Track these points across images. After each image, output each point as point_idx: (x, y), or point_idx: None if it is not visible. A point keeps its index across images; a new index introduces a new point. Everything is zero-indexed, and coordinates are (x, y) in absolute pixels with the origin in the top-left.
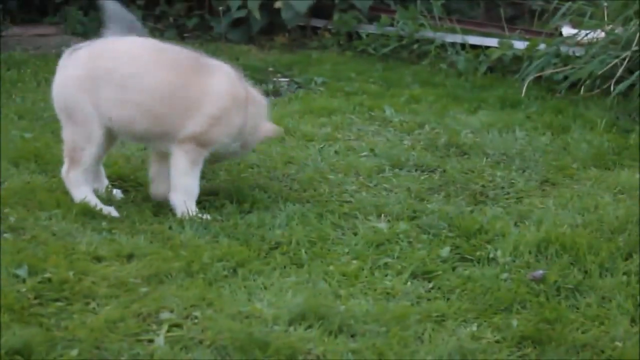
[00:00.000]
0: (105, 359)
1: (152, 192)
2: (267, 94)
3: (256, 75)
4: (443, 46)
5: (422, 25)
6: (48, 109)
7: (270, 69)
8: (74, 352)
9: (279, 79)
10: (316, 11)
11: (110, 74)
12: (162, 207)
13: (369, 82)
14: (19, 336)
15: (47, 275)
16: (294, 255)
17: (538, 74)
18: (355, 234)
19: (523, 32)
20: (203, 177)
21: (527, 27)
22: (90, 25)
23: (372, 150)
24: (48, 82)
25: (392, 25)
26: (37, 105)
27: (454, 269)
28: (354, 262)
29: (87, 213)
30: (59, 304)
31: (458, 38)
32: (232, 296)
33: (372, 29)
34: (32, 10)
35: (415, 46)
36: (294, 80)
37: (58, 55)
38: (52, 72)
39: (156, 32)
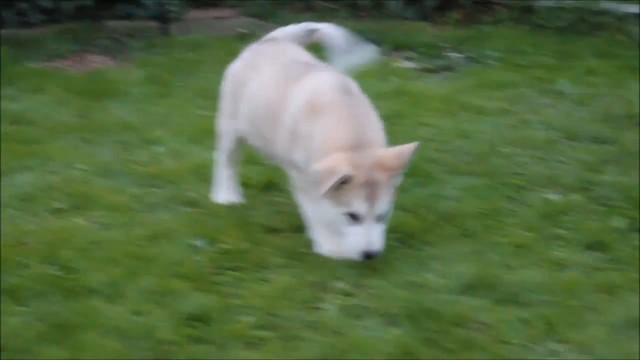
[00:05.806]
0: (279, 325)
1: None
2: (440, 69)
3: (429, 51)
4: (622, 17)
5: None
6: None
7: (443, 44)
8: (250, 319)
9: (452, 54)
10: None
11: None
12: None
13: (544, 56)
14: (198, 303)
15: (225, 246)
16: (464, 227)
17: None
18: (528, 206)
19: None
20: None
21: None
22: (266, 7)
23: (546, 123)
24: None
25: None
26: (216, 84)
27: (628, 240)
28: (527, 233)
29: (263, 187)
30: (235, 273)
31: (637, 9)
32: (402, 266)
33: (548, 2)
34: None
35: (593, 18)
36: (468, 55)
37: (236, 37)
38: (231, 53)
39: (330, 12)
